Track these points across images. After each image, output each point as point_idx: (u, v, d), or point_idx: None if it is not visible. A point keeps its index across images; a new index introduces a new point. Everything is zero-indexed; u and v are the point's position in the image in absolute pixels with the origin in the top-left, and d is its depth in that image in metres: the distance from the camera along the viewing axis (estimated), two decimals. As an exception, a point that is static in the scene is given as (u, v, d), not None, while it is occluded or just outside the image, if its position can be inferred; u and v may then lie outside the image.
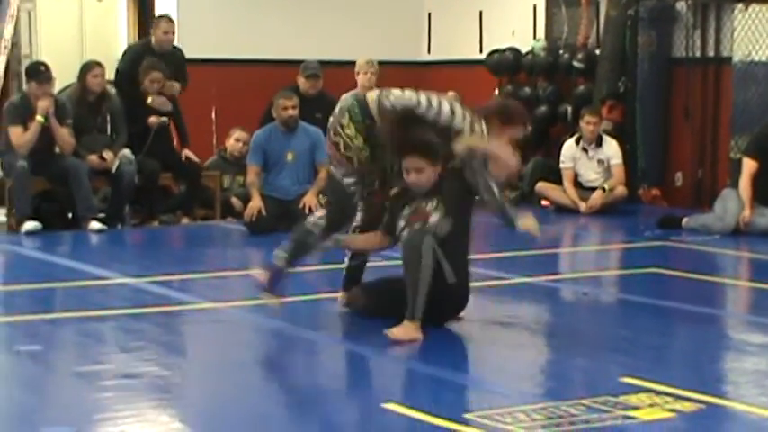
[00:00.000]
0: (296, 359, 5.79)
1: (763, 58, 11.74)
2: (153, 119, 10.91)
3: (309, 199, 9.95)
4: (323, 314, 6.69)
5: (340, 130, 6.15)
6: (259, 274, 6.37)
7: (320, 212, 6.34)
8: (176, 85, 11.31)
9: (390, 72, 13.54)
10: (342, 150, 6.12)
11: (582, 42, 13.24)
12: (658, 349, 5.92)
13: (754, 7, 11.68)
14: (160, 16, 11.73)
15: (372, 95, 6.20)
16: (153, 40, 11.36)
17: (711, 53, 12.14)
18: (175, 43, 11.52)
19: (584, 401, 4.66)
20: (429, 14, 15.13)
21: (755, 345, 5.96)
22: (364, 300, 6.36)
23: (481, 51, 14.20)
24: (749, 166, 10.13)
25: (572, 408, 4.59)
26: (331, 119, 6.27)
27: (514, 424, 4.39)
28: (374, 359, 5.65)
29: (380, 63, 12.16)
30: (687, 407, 4.62)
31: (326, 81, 11.49)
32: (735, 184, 10.27)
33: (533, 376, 5.42)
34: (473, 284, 7.07)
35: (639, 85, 12.36)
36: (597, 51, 12.82)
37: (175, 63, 11.36)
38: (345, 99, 6.38)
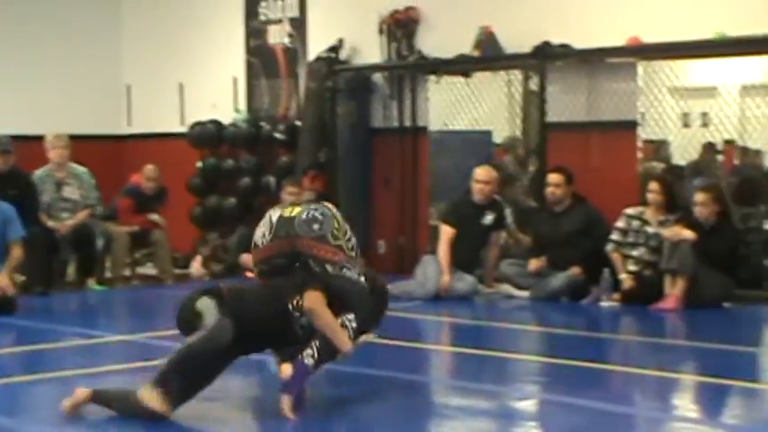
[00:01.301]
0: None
1: (458, 128, 12.14)
2: None
3: (1, 280, 9.47)
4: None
5: (337, 234, 6.08)
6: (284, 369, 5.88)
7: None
8: None
9: (89, 146, 13.29)
10: (348, 251, 6.07)
11: (283, 114, 13.36)
12: (363, 420, 5.90)
13: (446, 79, 12.08)
14: None
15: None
16: None
17: (408, 123, 12.46)
18: None
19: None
20: (128, 87, 14.90)
21: (454, 408, 6.04)
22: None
23: (183, 124, 14.09)
24: (446, 232, 10.41)
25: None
26: (313, 229, 6.02)
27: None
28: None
29: (79, 137, 11.86)
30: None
31: (20, 156, 11.08)
32: (434, 251, 10.52)
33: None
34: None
35: (341, 155, 12.53)
36: (298, 122, 12.94)
37: None
38: (317, 208, 6.13)
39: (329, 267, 5.96)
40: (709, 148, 11.14)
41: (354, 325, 5.84)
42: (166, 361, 5.71)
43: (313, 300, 5.82)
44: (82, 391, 5.74)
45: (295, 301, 5.86)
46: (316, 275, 5.94)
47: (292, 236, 6.07)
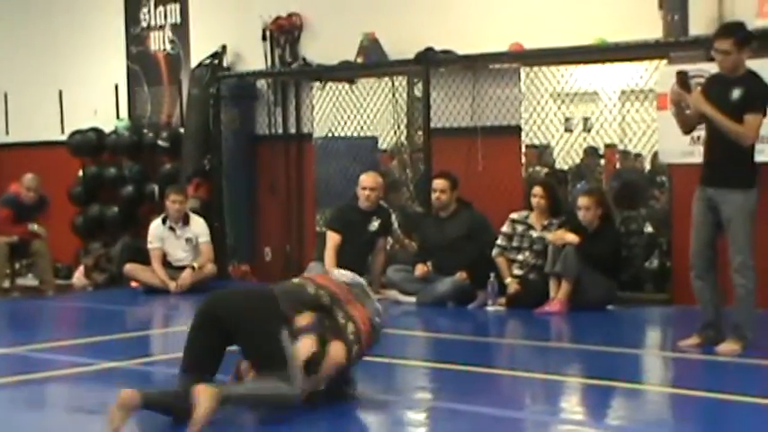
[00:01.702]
0: None
1: (342, 134, 12.12)
2: None
3: None
4: None
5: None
6: None
7: None
8: None
9: (-35, 155, 12.96)
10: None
11: (166, 121, 13.22)
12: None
13: (331, 85, 12.06)
14: None
15: None
16: None
17: (293, 130, 12.40)
18: None
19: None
20: (5, 94, 14.59)
21: (342, 416, 6.01)
22: None
23: (63, 132, 13.84)
24: (332, 238, 10.39)
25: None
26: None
27: None
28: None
29: (-47, 145, 11.55)
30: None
31: None
32: (320, 257, 10.48)
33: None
34: (59, 373, 6.87)
35: (225, 163, 12.44)
36: (181, 129, 12.81)
37: None
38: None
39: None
40: (592, 152, 11.30)
41: None
42: (243, 388, 5.65)
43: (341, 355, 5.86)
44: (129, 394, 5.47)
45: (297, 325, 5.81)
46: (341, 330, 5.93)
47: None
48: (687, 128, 7.68)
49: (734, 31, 7.38)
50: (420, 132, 11.41)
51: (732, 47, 7.28)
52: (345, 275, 6.31)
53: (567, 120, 11.17)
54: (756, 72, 7.40)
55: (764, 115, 7.37)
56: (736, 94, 7.28)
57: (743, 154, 7.32)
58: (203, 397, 5.33)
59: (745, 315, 7.40)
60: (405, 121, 11.93)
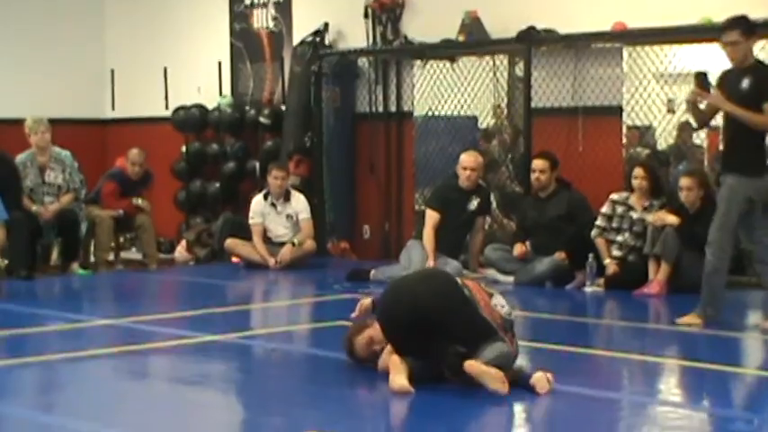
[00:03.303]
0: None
1: (443, 113, 12.12)
2: None
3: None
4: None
5: None
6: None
7: None
8: None
9: (72, 130, 13.25)
10: None
11: (267, 98, 13.33)
12: (344, 401, 5.91)
13: (432, 63, 12.06)
14: None
15: None
16: None
17: (393, 108, 12.43)
18: None
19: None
20: (112, 72, 14.84)
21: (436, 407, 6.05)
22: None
23: (167, 108, 14.04)
24: (432, 217, 10.40)
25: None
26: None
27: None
28: (53, 425, 5.37)
29: (61, 121, 11.79)
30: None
31: (2, 140, 11.03)
32: (419, 236, 10.51)
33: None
34: (161, 345, 6.99)
35: (326, 140, 12.52)
36: (283, 107, 12.91)
37: None
38: None
39: None
40: (686, 127, 11.18)
41: None
42: (488, 358, 5.75)
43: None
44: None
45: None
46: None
47: None
48: (702, 123, 8.25)
49: (739, 23, 7.78)
50: (521, 112, 11.36)
51: (740, 37, 7.68)
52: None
53: (669, 100, 11.04)
54: (764, 61, 7.88)
55: None
56: (745, 83, 7.66)
57: (750, 143, 7.70)
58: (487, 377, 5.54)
59: (707, 292, 7.84)
60: (505, 100, 11.89)
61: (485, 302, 6.04)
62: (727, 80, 7.86)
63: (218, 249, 12.24)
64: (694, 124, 8.18)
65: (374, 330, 6.21)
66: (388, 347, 6.06)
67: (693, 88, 7.92)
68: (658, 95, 10.68)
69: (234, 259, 11.82)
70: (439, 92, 12.12)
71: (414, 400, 5.68)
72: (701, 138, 12.31)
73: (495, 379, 5.58)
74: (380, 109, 12.49)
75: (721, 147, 8.05)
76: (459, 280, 6.17)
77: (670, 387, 6.53)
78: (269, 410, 5.63)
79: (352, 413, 5.68)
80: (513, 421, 5.45)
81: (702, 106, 7.97)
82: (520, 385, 5.78)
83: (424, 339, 5.83)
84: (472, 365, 5.57)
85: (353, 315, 6.44)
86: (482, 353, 5.73)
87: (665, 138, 11.07)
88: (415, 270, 10.06)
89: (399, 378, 5.73)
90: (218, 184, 13.59)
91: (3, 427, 5.48)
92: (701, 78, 7.88)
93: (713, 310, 7.86)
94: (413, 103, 12.28)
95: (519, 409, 5.64)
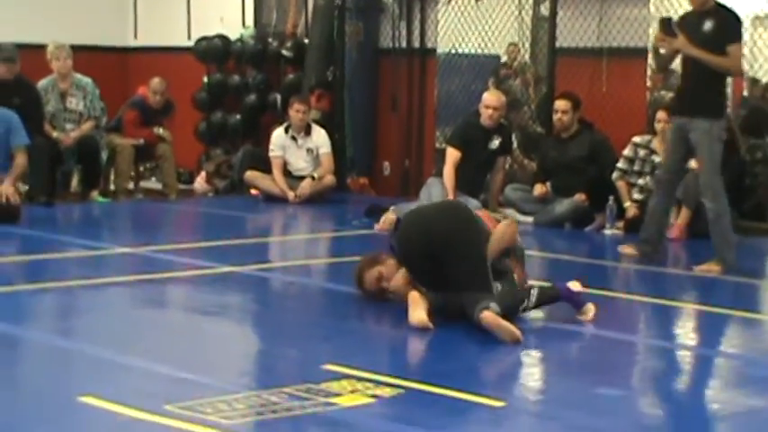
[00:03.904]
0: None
1: (467, 50, 12.04)
2: None
3: (6, 188, 9.44)
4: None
5: None
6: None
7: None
8: None
9: (94, 57, 13.20)
10: None
11: (291, 31, 13.25)
12: (360, 336, 5.93)
13: (457, 0, 11.96)
14: None
15: None
16: None
17: (417, 44, 12.36)
18: None
19: (286, 390, 4.58)
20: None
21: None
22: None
23: (189, 38, 13.98)
24: (452, 155, 10.35)
25: (274, 396, 4.50)
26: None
27: (215, 414, 4.27)
28: (71, 350, 5.41)
29: (83, 48, 11.76)
30: (387, 392, 4.62)
31: (25, 65, 11.00)
32: (439, 173, 10.48)
33: (237, 366, 5.31)
34: (179, 274, 7.02)
35: (348, 75, 12.46)
36: (306, 40, 12.84)
37: None
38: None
39: None
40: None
41: None
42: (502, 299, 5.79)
43: None
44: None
45: None
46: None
47: None
48: (663, 67, 8.43)
49: None
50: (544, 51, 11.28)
51: None
52: None
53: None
54: (723, 4, 7.84)
55: (740, 41, 7.90)
56: (707, 26, 7.70)
57: (715, 85, 7.81)
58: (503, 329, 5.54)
59: (718, 238, 7.82)
60: (529, 39, 11.80)
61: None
62: (688, 23, 7.88)
63: (238, 181, 12.24)
64: (656, 68, 8.42)
65: (385, 267, 6.22)
66: (404, 278, 6.06)
67: (657, 33, 8.00)
68: (684, 38, 10.55)
69: (253, 192, 11.82)
70: (463, 29, 12.03)
71: (431, 336, 5.70)
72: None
73: (507, 332, 5.53)
74: (404, 45, 12.41)
75: (677, 90, 8.21)
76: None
77: (687, 331, 6.54)
78: (285, 342, 5.66)
79: (367, 347, 5.70)
80: (528, 361, 5.46)
81: (663, 51, 8.00)
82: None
83: (439, 268, 5.84)
84: (487, 318, 5.55)
85: (377, 227, 6.45)
86: (492, 301, 5.68)
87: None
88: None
89: (419, 312, 5.75)
90: (238, 117, 13.55)
91: (22, 351, 5.53)
92: (666, 24, 7.91)
93: (729, 254, 7.83)
94: (436, 40, 12.20)
95: (534, 349, 5.65)
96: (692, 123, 7.80)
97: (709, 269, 7.83)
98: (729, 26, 7.76)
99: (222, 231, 9.55)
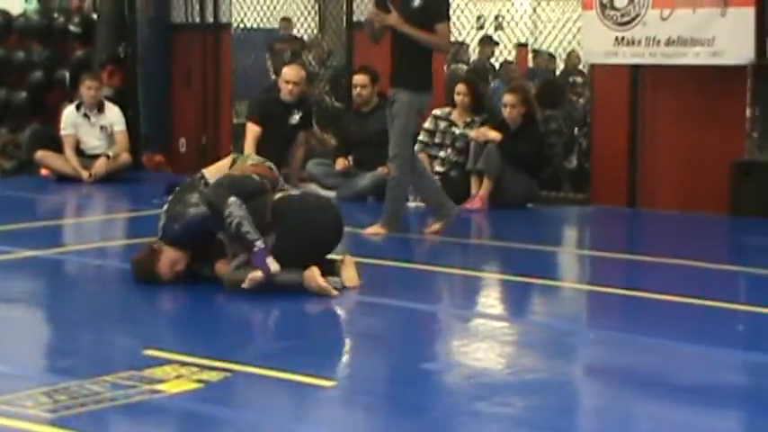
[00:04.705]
0: None
1: (260, 25, 11.93)
2: None
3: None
4: None
5: None
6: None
7: None
8: None
9: None
10: None
11: (78, 5, 12.85)
12: (175, 318, 5.79)
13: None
14: None
15: None
16: None
17: (211, 19, 12.15)
18: None
19: (107, 378, 4.42)
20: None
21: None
22: None
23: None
24: (252, 130, 10.22)
25: (96, 385, 4.33)
26: None
27: (36, 407, 4.08)
28: None
29: None
30: (214, 376, 4.50)
31: None
32: (240, 150, 10.33)
33: (51, 355, 5.11)
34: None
35: (140, 51, 12.17)
36: (95, 15, 12.47)
37: None
38: None
39: None
40: (487, 41, 11.28)
41: None
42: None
43: None
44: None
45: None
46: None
47: None
48: (377, 40, 8.27)
49: None
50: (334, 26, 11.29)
51: None
52: None
53: (479, 18, 11.13)
54: None
55: (449, 20, 8.12)
56: (416, 2, 7.84)
57: (419, 60, 7.92)
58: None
59: (391, 203, 8.12)
60: (318, 10, 11.79)
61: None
62: None
63: (27, 161, 11.83)
64: (371, 41, 8.36)
65: (171, 252, 6.20)
66: (223, 262, 6.02)
67: (372, 8, 8.17)
68: (471, 12, 10.74)
69: (43, 172, 11.41)
70: (257, 3, 11.91)
71: (249, 315, 5.62)
72: (512, 54, 12.54)
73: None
74: (197, 20, 12.18)
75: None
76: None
77: (490, 300, 6.65)
78: (98, 328, 5.50)
79: (185, 330, 5.61)
80: (349, 339, 5.43)
81: (377, 25, 8.07)
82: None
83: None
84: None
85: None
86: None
87: (477, 54, 11.19)
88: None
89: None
90: (24, 94, 13.05)
91: None
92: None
93: (396, 221, 8.15)
94: (230, 15, 12.02)
95: (351, 325, 5.62)
96: (397, 94, 7.94)
97: (376, 232, 8.08)
98: (437, 4, 7.93)
99: (13, 214, 9.17)
